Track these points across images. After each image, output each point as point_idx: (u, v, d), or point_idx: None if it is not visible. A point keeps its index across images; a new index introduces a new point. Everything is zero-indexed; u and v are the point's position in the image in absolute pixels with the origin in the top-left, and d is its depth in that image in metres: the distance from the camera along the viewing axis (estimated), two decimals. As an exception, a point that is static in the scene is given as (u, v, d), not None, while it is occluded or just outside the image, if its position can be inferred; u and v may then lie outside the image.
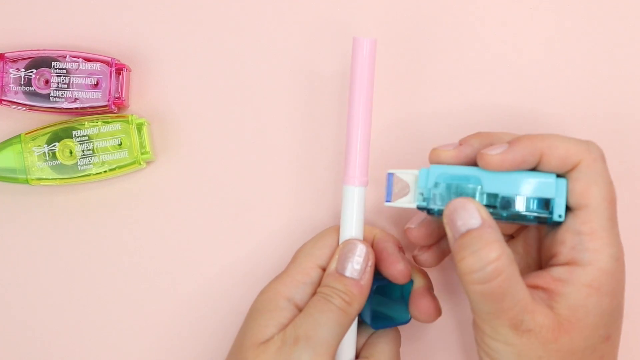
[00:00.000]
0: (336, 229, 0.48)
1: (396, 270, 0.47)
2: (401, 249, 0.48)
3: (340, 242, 0.48)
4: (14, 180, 0.52)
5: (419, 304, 0.47)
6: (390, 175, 0.47)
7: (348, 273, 0.46)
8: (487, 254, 0.41)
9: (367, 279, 0.46)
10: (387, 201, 0.47)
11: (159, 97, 0.54)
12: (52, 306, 0.54)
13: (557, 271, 0.43)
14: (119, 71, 0.52)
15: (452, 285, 0.53)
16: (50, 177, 0.52)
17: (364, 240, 0.47)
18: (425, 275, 0.49)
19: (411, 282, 0.48)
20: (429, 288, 0.48)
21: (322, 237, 0.48)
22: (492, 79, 0.54)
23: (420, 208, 0.45)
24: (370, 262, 0.46)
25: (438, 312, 0.47)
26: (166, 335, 0.53)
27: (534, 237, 0.47)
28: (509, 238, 0.49)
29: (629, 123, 0.54)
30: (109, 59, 0.52)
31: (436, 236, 0.48)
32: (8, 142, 0.52)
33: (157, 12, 0.54)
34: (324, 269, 0.47)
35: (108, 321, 0.53)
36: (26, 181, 0.52)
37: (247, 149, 0.54)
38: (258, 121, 0.54)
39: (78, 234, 0.54)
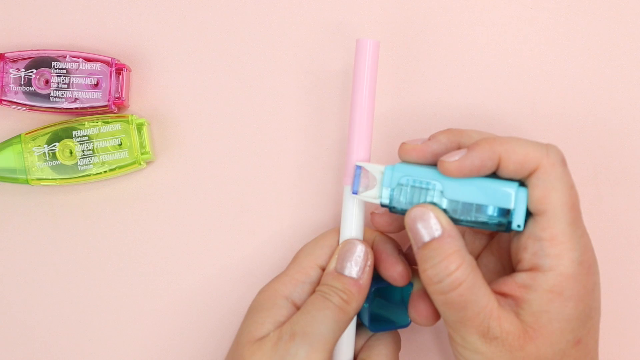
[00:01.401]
0: (337, 230, 0.49)
1: (396, 272, 0.47)
2: (401, 251, 0.48)
3: (340, 242, 0.48)
4: (14, 180, 0.52)
5: (418, 306, 0.47)
6: (359, 168, 0.46)
7: (347, 272, 0.46)
8: (446, 267, 0.42)
9: (365, 279, 0.46)
10: (353, 192, 0.47)
11: (159, 97, 0.54)
12: (52, 306, 0.54)
13: (520, 277, 0.43)
14: (119, 71, 0.52)
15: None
16: (50, 177, 0.52)
17: (364, 242, 0.48)
18: None
19: (411, 285, 0.48)
20: None
21: (322, 238, 0.49)
22: (492, 79, 0.54)
23: (383, 205, 0.45)
24: (370, 262, 0.46)
25: (437, 316, 0.47)
26: (166, 335, 0.53)
27: (507, 240, 0.47)
28: (489, 239, 0.49)
29: (627, 124, 0.54)
30: (109, 59, 0.52)
31: (399, 226, 0.48)
32: (8, 142, 0.52)
33: (157, 12, 0.54)
34: (323, 269, 0.47)
35: (108, 320, 0.53)
36: (26, 181, 0.52)
37: (247, 149, 0.54)
38: (258, 121, 0.54)
39: (78, 234, 0.54)
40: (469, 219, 0.44)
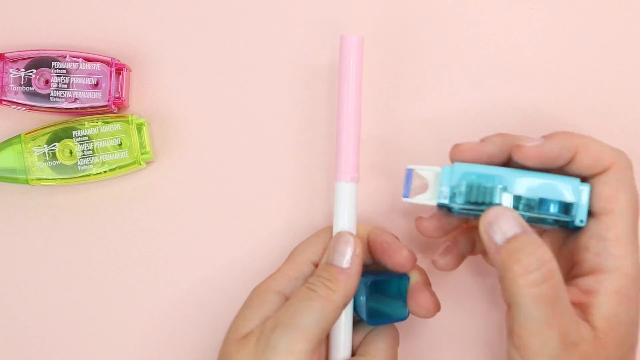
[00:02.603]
0: (331, 227, 0.49)
1: (402, 257, 0.47)
2: (398, 239, 0.48)
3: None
4: (14, 180, 0.52)
5: (418, 299, 0.47)
6: (410, 171, 0.46)
7: (335, 262, 0.46)
8: (542, 255, 0.40)
9: (353, 266, 0.45)
10: (404, 197, 0.46)
11: (159, 97, 0.54)
12: (52, 306, 0.54)
13: (584, 282, 0.42)
14: (119, 71, 0.52)
15: (450, 285, 0.53)
16: (50, 177, 0.52)
17: (360, 237, 0.47)
18: (422, 271, 0.49)
19: (407, 278, 0.48)
20: (427, 283, 0.48)
21: (316, 236, 0.49)
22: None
23: (441, 206, 0.45)
24: (358, 250, 0.46)
25: (437, 307, 0.47)
26: (165, 334, 0.53)
27: (557, 247, 0.47)
28: None
29: (628, 124, 0.54)
30: (109, 59, 0.52)
31: (445, 230, 0.48)
32: (8, 142, 0.52)
33: (157, 12, 0.54)
34: (316, 265, 0.48)
35: (107, 320, 0.53)
36: (26, 181, 0.52)
37: (246, 148, 0.54)
38: (257, 121, 0.54)
39: (78, 234, 0.54)
40: (531, 215, 0.43)
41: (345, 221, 0.48)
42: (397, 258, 0.47)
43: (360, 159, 0.48)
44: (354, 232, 0.48)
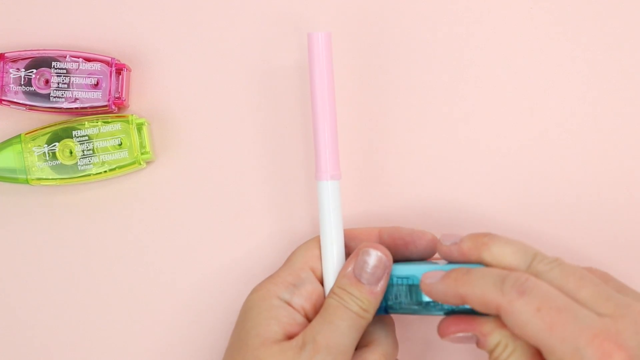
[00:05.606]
0: None
1: (428, 239, 0.48)
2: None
3: (321, 236, 0.48)
4: (14, 180, 0.52)
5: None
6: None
7: (365, 280, 0.46)
8: None
9: (382, 286, 0.46)
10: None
11: (159, 97, 0.54)
12: (52, 306, 0.54)
13: None
14: (119, 71, 0.52)
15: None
16: (50, 177, 0.52)
17: (382, 247, 0.47)
18: None
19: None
20: None
21: (315, 240, 0.49)
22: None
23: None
24: (388, 270, 0.46)
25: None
26: (165, 334, 0.53)
27: None
28: None
29: (628, 125, 0.54)
30: (109, 59, 0.52)
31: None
32: (8, 142, 0.52)
33: (157, 12, 0.54)
34: (314, 271, 0.48)
35: (107, 320, 0.53)
36: (26, 181, 0.52)
37: (246, 148, 0.54)
38: (256, 120, 0.54)
39: (78, 234, 0.54)
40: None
41: (332, 222, 0.48)
42: (423, 243, 0.48)
43: (339, 155, 0.48)
44: (341, 230, 0.48)
